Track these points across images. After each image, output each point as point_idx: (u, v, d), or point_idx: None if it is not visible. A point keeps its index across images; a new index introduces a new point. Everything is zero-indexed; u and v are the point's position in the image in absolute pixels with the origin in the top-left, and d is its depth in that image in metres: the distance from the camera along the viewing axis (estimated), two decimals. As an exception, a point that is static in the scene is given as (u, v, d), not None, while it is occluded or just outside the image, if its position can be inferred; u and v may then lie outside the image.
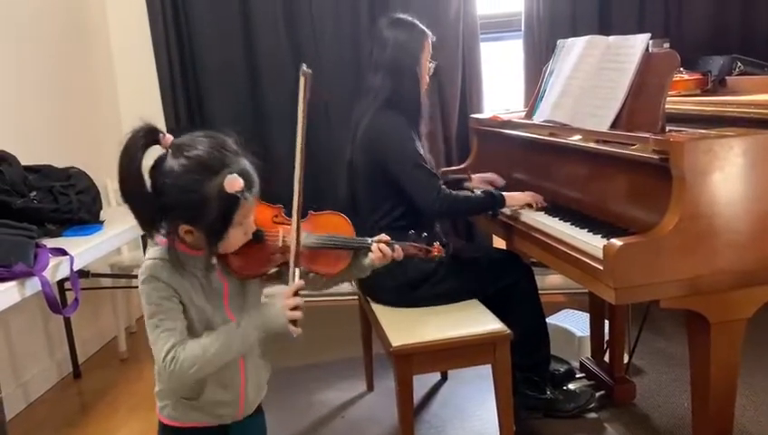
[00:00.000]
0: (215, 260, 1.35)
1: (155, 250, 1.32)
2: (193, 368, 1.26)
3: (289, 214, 1.41)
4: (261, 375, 1.48)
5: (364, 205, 2.32)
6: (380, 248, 1.46)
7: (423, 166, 2.19)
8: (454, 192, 2.22)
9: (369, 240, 1.47)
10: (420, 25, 2.32)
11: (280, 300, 1.31)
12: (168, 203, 1.25)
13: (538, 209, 2.20)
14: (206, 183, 1.23)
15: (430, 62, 2.34)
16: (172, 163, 1.25)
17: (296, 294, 1.32)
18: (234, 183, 1.23)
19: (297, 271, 1.32)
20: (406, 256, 1.51)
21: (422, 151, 2.22)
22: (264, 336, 1.34)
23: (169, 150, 1.27)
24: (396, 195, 2.23)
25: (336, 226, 1.48)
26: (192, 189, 1.23)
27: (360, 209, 2.34)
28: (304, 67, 1.36)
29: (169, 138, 1.28)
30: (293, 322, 1.30)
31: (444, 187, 2.20)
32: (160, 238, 1.32)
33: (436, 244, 1.57)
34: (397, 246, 1.48)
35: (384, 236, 1.49)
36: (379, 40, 2.32)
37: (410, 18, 2.33)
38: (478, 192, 2.32)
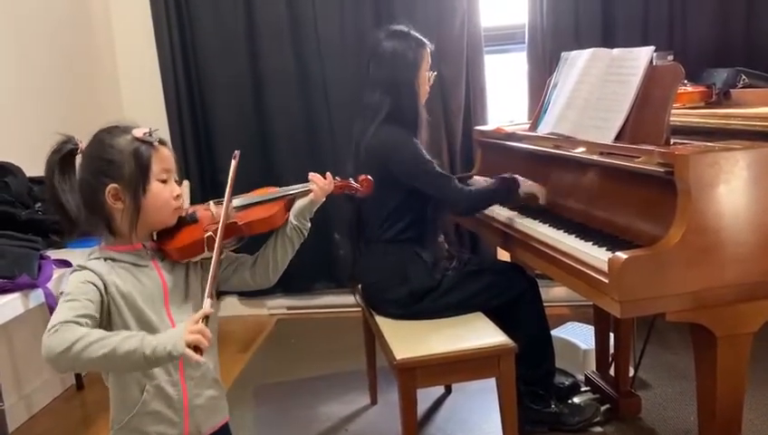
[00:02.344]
0: (149, 253, 1.38)
1: (93, 254, 1.36)
2: (64, 346, 1.16)
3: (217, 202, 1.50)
4: (208, 394, 1.44)
5: (370, 220, 2.32)
6: (313, 180, 1.52)
7: (442, 173, 2.23)
8: (473, 188, 2.29)
9: (298, 185, 1.52)
10: (416, 35, 2.30)
11: (186, 324, 1.22)
12: (89, 173, 1.33)
13: (533, 218, 2.21)
14: (117, 139, 1.33)
15: (430, 72, 2.33)
16: (85, 152, 1.35)
17: (206, 319, 1.23)
18: (141, 129, 1.34)
19: (208, 301, 1.27)
20: (336, 189, 1.57)
21: (427, 155, 2.23)
22: (159, 358, 1.20)
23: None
24: (400, 207, 2.23)
25: (263, 191, 1.55)
26: (105, 147, 1.33)
27: (366, 225, 2.34)
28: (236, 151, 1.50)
29: (84, 143, 1.36)
30: (196, 348, 1.19)
31: (461, 185, 2.26)
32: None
33: (362, 177, 1.66)
34: (328, 176, 1.55)
35: (313, 174, 1.54)
36: (375, 54, 2.31)
37: (406, 29, 2.31)
38: (488, 184, 2.34)
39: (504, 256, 2.76)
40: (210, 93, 3.65)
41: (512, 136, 2.56)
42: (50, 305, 1.99)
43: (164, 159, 1.36)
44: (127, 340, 1.19)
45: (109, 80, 3.64)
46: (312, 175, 1.54)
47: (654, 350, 2.75)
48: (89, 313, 1.24)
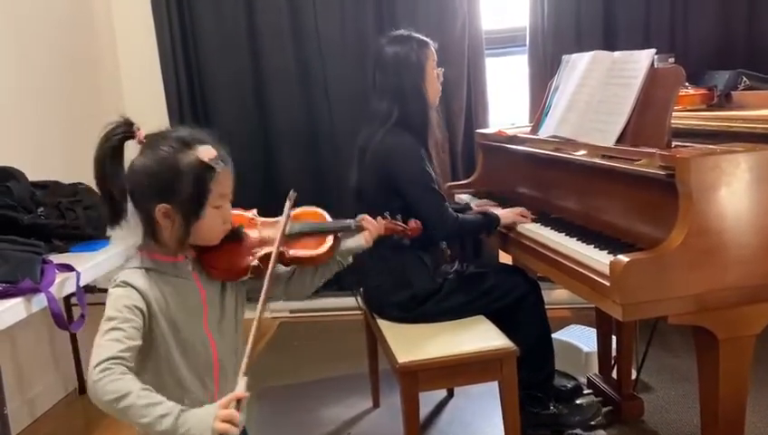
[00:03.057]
0: (190, 265, 1.35)
1: (132, 261, 1.33)
2: (111, 397, 1.15)
3: (262, 214, 1.48)
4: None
5: None
6: (365, 223, 1.49)
7: (434, 190, 2.20)
8: (459, 216, 2.25)
9: (350, 221, 1.49)
10: (417, 36, 2.29)
11: (216, 409, 1.18)
12: (144, 183, 1.27)
13: (534, 222, 2.22)
14: (180, 155, 1.26)
15: (437, 69, 2.32)
16: (146, 151, 1.29)
17: (238, 402, 1.20)
18: (208, 151, 1.26)
19: (244, 380, 1.22)
20: (386, 231, 1.57)
21: (431, 171, 2.22)
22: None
23: (144, 142, 1.31)
24: (401, 213, 2.22)
25: (315, 215, 1.52)
26: (166, 163, 1.26)
27: None
28: (292, 192, 1.46)
29: (143, 132, 1.31)
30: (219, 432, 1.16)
31: (451, 210, 2.22)
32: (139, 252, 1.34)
33: (412, 222, 1.66)
34: (379, 220, 1.53)
35: (365, 216, 1.52)
36: (379, 62, 2.30)
37: (406, 32, 2.30)
38: (474, 215, 2.35)
39: (505, 258, 2.76)
40: (212, 93, 3.66)
41: (513, 139, 2.56)
42: (52, 310, 1.99)
43: (223, 184, 1.31)
44: (164, 418, 1.15)
45: (111, 82, 3.64)
46: (364, 218, 1.52)
47: (656, 352, 2.74)
48: (134, 344, 1.23)
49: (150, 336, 1.30)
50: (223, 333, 1.39)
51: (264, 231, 1.43)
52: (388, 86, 2.26)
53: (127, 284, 1.28)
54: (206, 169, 1.27)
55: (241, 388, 1.20)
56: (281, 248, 1.39)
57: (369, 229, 1.49)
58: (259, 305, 1.30)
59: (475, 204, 2.57)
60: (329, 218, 1.52)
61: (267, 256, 1.37)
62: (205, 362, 1.36)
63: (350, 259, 1.52)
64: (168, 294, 1.31)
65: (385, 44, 2.30)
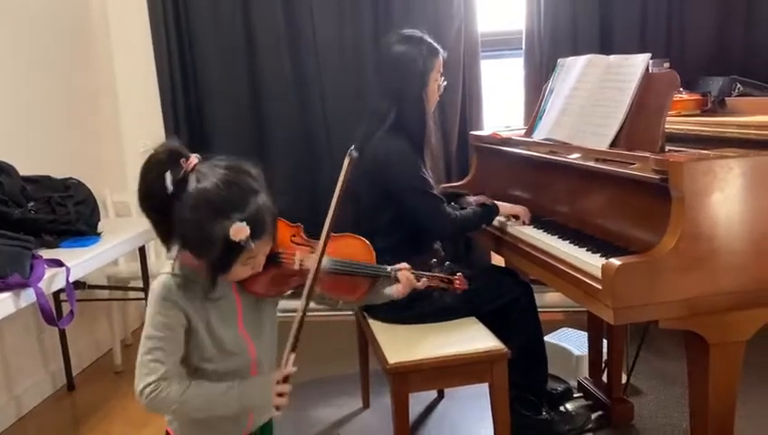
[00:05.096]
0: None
1: (172, 265, 1.30)
2: (172, 407, 1.28)
3: (308, 234, 1.44)
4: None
5: (364, 230, 2.30)
6: (404, 277, 1.44)
7: (432, 194, 2.19)
8: (459, 213, 2.24)
9: (389, 268, 1.44)
10: (430, 41, 2.24)
11: (270, 384, 1.33)
12: (178, 230, 1.26)
13: (529, 224, 2.23)
14: (214, 224, 1.20)
15: (440, 80, 2.28)
16: (189, 193, 1.22)
17: (286, 379, 1.33)
18: (239, 231, 1.20)
19: (292, 356, 1.31)
20: (428, 287, 1.50)
21: (427, 176, 2.21)
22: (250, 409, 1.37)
23: (191, 176, 1.24)
24: (396, 220, 2.21)
25: (356, 251, 1.48)
26: (200, 227, 1.21)
27: (360, 234, 2.32)
28: (353, 150, 1.41)
29: (192, 162, 1.25)
30: (277, 407, 1.32)
31: (449, 210, 2.22)
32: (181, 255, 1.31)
33: (459, 275, 1.58)
34: (420, 277, 1.47)
35: (405, 265, 1.46)
36: (385, 58, 2.27)
37: (419, 33, 2.25)
38: (471, 208, 2.33)
39: (498, 260, 2.76)
40: (207, 96, 3.63)
41: (507, 141, 2.56)
42: (41, 305, 1.98)
43: (254, 251, 1.26)
44: (230, 390, 1.29)
45: (105, 79, 3.62)
46: (402, 268, 1.47)
47: (647, 356, 2.75)
48: (175, 358, 1.29)
49: (189, 339, 1.32)
50: (260, 333, 1.41)
51: (302, 257, 1.39)
52: (389, 85, 2.23)
53: (165, 299, 1.27)
54: (238, 246, 1.22)
55: (290, 364, 1.32)
56: (316, 283, 1.37)
57: (403, 282, 1.45)
58: (291, 333, 1.33)
59: (474, 200, 2.55)
60: (370, 251, 1.49)
61: (301, 287, 1.36)
62: (242, 360, 1.38)
63: (385, 300, 1.50)
64: (202, 300, 1.31)
65: (395, 42, 2.25)
